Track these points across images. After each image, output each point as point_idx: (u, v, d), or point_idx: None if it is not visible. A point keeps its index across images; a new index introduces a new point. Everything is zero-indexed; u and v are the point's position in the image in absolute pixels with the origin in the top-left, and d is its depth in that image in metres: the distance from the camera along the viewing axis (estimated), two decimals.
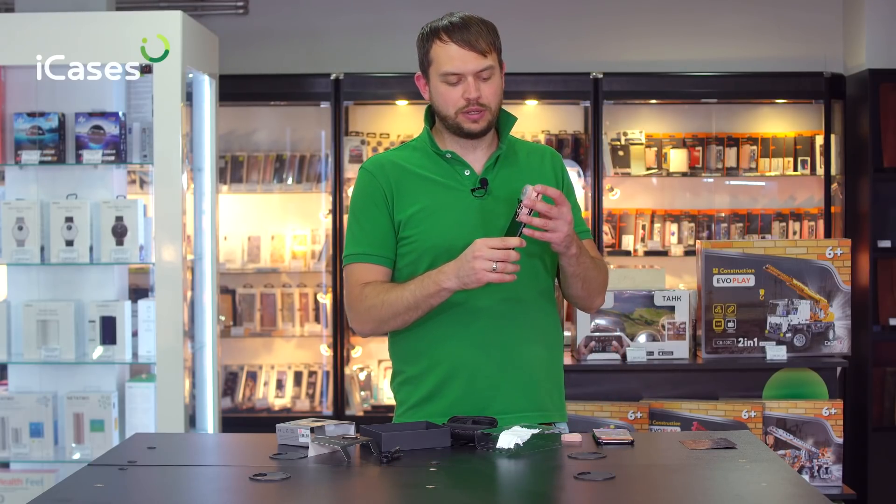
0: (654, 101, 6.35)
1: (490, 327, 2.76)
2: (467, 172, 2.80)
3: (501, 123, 2.85)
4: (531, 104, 6.29)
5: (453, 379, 2.75)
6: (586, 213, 6.24)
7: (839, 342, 4.04)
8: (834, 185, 6.17)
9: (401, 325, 2.74)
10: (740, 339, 4.02)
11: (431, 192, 2.77)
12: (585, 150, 6.23)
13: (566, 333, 4.07)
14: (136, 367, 4.73)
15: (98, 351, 4.56)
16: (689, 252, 6.20)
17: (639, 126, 6.37)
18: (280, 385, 6.30)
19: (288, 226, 6.39)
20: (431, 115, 2.86)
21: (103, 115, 4.59)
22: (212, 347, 4.88)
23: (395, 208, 2.78)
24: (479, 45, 2.73)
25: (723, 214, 6.40)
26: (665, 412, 3.93)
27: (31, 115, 4.59)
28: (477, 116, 2.75)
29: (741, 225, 6.35)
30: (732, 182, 6.45)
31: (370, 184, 2.80)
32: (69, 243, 4.54)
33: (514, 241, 2.58)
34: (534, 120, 6.36)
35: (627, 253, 6.32)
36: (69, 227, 4.54)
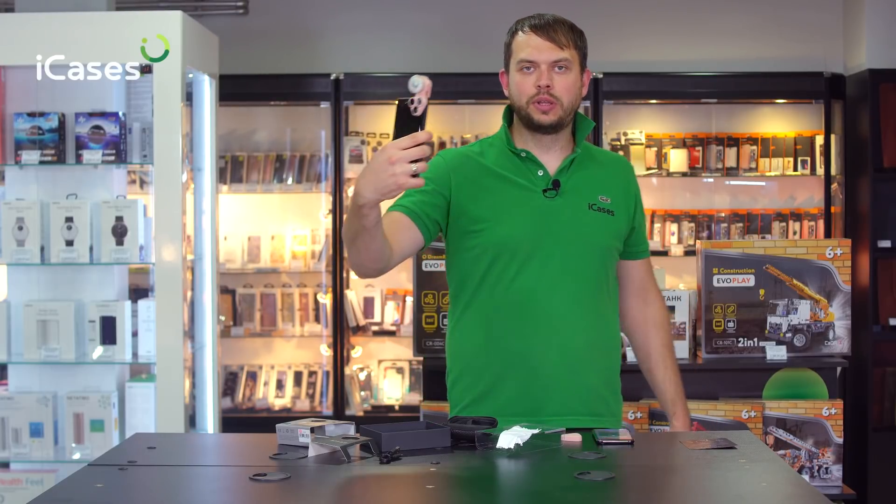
0: (654, 101, 6.35)
1: (553, 329, 2.77)
2: (541, 173, 2.80)
3: (578, 127, 2.85)
4: None
5: (508, 378, 2.77)
6: None
7: (839, 342, 4.04)
8: (834, 185, 6.17)
9: (356, 256, 2.62)
10: (740, 339, 4.02)
11: (502, 190, 2.77)
12: None
13: None
14: (136, 367, 4.72)
15: (98, 351, 4.56)
16: (689, 252, 6.20)
17: (639, 126, 6.37)
18: (280, 385, 6.31)
19: (288, 226, 6.39)
20: (510, 115, 2.87)
21: (103, 115, 4.59)
22: (212, 347, 4.88)
23: (458, 199, 2.76)
24: (558, 37, 2.76)
25: (723, 214, 6.40)
26: (665, 412, 3.92)
27: (31, 115, 4.59)
28: (547, 108, 2.75)
29: (741, 225, 6.35)
30: (732, 182, 6.45)
31: (438, 166, 2.79)
32: (69, 243, 4.54)
33: (424, 135, 2.41)
34: None
35: None
36: (69, 227, 4.54)
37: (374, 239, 2.57)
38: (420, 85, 2.43)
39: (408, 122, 2.43)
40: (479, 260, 2.76)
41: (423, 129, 2.42)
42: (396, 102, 2.46)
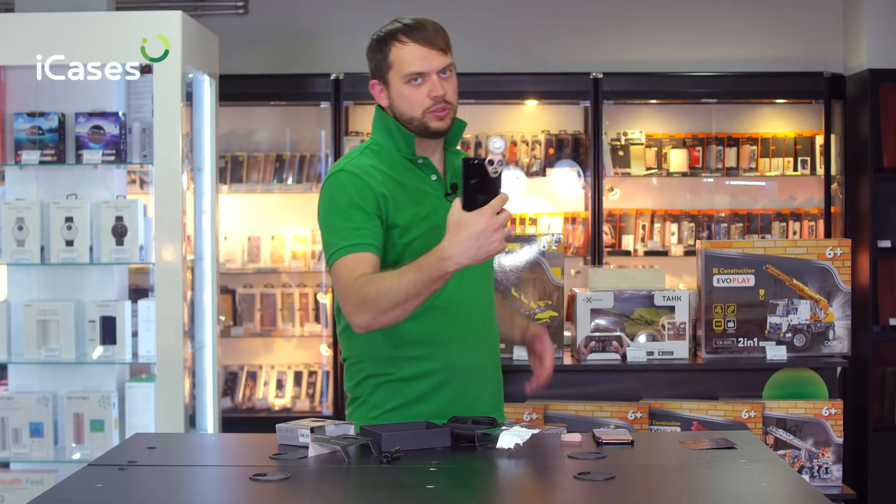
0: (654, 101, 6.35)
1: (480, 330, 2.81)
2: (434, 177, 2.80)
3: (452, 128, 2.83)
4: (531, 104, 6.29)
5: (450, 381, 2.77)
6: (586, 214, 6.25)
7: (839, 342, 4.03)
8: (834, 185, 6.17)
9: (401, 315, 2.60)
10: (740, 339, 4.02)
11: (417, 200, 2.75)
12: (585, 150, 6.23)
13: (566, 333, 4.07)
14: (136, 367, 4.72)
15: (98, 351, 4.56)
16: (689, 252, 6.20)
17: (639, 126, 6.37)
18: (280, 385, 6.31)
19: (288, 226, 6.39)
20: (384, 121, 2.81)
21: (103, 115, 4.59)
22: (212, 347, 4.88)
23: (388, 212, 2.72)
24: (439, 42, 2.74)
25: (723, 214, 6.40)
26: (665, 412, 3.93)
27: (31, 115, 4.59)
28: (443, 114, 2.75)
29: (741, 225, 6.35)
30: (732, 182, 6.45)
31: (361, 186, 2.70)
32: (69, 243, 4.54)
33: (506, 195, 2.46)
34: (534, 120, 6.36)
35: (627, 253, 6.32)
36: (69, 227, 4.54)
37: None
38: (502, 147, 2.52)
39: (487, 183, 2.45)
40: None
41: (500, 189, 2.46)
42: (463, 163, 2.47)
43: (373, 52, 2.81)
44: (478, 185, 2.45)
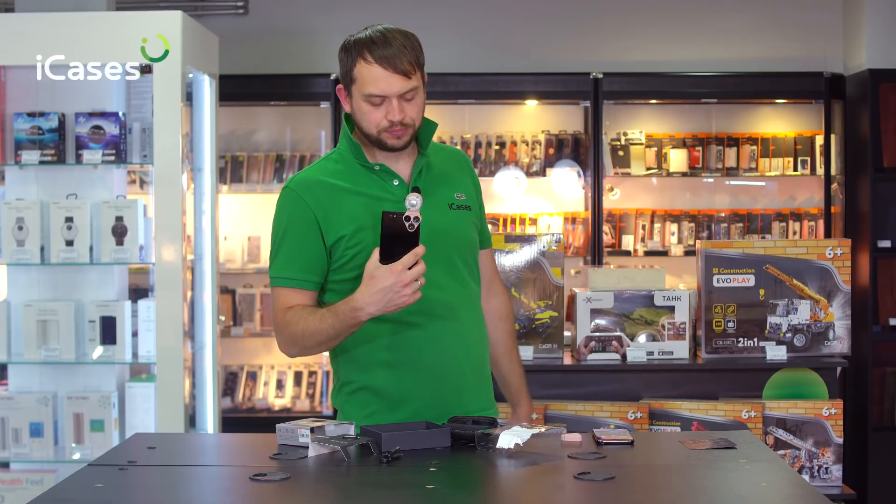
0: (654, 101, 6.35)
1: (450, 332, 2.77)
2: (396, 182, 2.78)
3: (422, 130, 2.81)
4: (531, 104, 6.29)
5: (416, 387, 2.75)
6: (586, 214, 6.25)
7: (839, 342, 4.04)
8: (834, 185, 6.17)
9: (325, 349, 2.77)
10: (740, 339, 4.02)
11: (366, 207, 2.73)
12: (585, 150, 6.23)
13: (566, 333, 4.07)
14: (136, 367, 4.72)
15: (98, 351, 4.57)
16: (689, 252, 6.20)
17: (639, 126, 6.37)
18: (280, 385, 6.30)
19: None
20: (344, 127, 2.83)
21: (103, 115, 4.59)
22: (212, 347, 4.88)
23: (328, 230, 2.73)
24: (402, 65, 2.69)
25: (723, 214, 6.40)
26: (665, 412, 3.93)
27: (31, 115, 4.59)
28: (400, 133, 2.73)
29: (741, 225, 6.35)
30: (732, 182, 6.45)
31: (298, 207, 2.75)
32: (69, 243, 4.54)
33: (421, 249, 2.55)
34: (534, 120, 6.36)
35: (627, 253, 6.32)
36: (69, 227, 4.54)
37: None
38: (417, 204, 2.57)
39: (402, 239, 2.54)
40: (360, 280, 2.66)
41: (417, 243, 2.54)
42: (382, 216, 2.54)
43: (342, 59, 2.79)
44: (395, 238, 2.54)
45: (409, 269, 2.53)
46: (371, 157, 2.79)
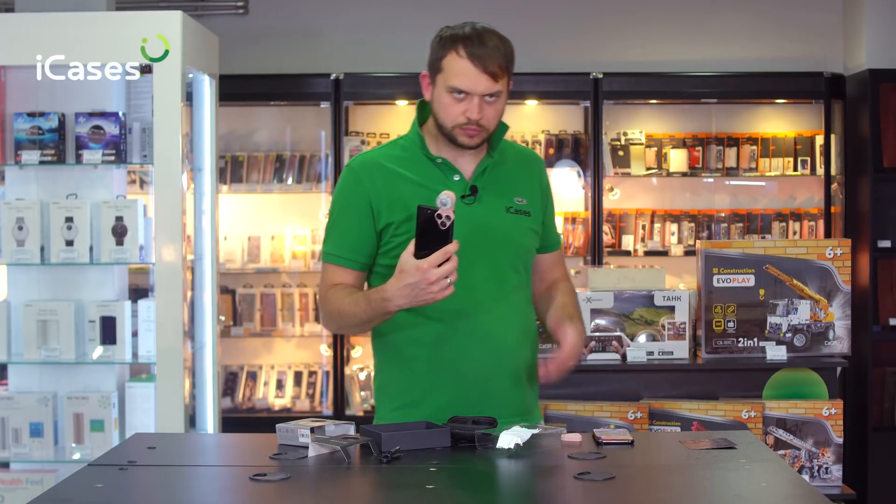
0: (654, 101, 6.35)
1: (483, 334, 2.75)
2: (457, 178, 2.79)
3: (494, 131, 2.81)
4: (531, 104, 6.29)
5: (441, 386, 2.75)
6: (586, 214, 6.25)
7: (839, 342, 4.04)
8: (834, 185, 6.17)
9: (360, 332, 2.87)
10: (740, 339, 4.02)
11: (419, 198, 2.73)
12: (585, 150, 6.23)
13: None
14: (136, 367, 4.72)
15: (98, 351, 4.57)
16: (689, 252, 6.20)
17: (639, 126, 6.37)
18: (280, 385, 6.31)
19: (288, 226, 6.39)
20: (423, 111, 2.84)
21: (103, 115, 4.59)
22: (212, 347, 4.88)
23: (379, 214, 2.76)
24: (492, 67, 2.69)
25: (723, 214, 6.40)
26: (665, 412, 3.93)
27: (31, 115, 4.59)
28: (473, 133, 2.73)
29: (741, 225, 6.35)
30: (732, 182, 6.45)
31: (355, 188, 2.79)
32: (69, 243, 4.54)
33: (454, 247, 2.53)
34: (534, 120, 6.36)
35: (627, 253, 6.32)
36: (69, 227, 4.54)
37: None
38: (449, 203, 2.53)
39: (436, 235, 2.53)
40: None
41: (451, 241, 2.53)
42: (417, 210, 2.54)
43: (434, 47, 2.78)
44: (429, 233, 2.54)
45: (440, 265, 2.53)
46: (435, 149, 2.80)
